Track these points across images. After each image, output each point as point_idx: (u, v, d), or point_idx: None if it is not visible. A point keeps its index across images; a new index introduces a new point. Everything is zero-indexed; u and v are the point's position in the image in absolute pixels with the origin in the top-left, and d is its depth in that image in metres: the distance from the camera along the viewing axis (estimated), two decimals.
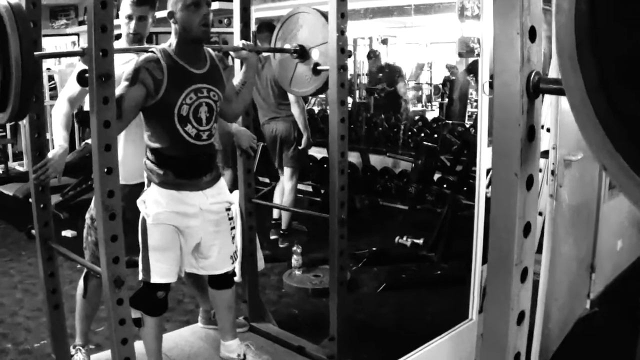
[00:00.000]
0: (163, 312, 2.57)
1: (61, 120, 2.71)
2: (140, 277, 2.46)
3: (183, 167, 2.45)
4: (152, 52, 2.35)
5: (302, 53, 2.90)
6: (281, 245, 4.92)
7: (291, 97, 4.70)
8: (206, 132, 2.45)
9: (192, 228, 2.50)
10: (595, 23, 0.61)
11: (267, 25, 5.10)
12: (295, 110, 4.83)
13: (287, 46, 2.95)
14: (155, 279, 2.43)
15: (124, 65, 2.75)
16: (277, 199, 5.12)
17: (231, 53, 2.83)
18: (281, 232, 5.05)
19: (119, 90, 2.20)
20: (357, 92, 8.37)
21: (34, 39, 1.81)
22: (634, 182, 0.57)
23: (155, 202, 2.43)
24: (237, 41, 2.78)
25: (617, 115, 0.59)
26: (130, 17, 2.77)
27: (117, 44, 2.79)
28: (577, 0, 0.61)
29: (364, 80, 8.55)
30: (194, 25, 2.33)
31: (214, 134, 2.53)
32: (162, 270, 2.44)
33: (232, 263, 2.69)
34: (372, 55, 8.15)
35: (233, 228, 2.69)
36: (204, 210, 2.52)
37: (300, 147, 5.08)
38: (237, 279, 2.98)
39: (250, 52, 2.68)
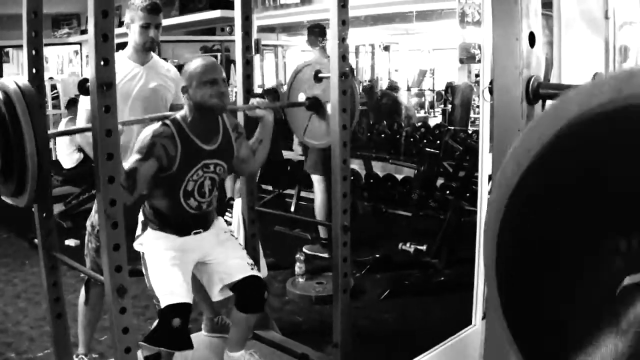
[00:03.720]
0: (186, 347, 2.42)
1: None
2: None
3: (180, 226, 2.48)
4: (167, 125, 2.35)
5: (317, 105, 2.84)
6: (327, 255, 4.70)
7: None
8: (207, 202, 2.51)
9: (193, 253, 2.53)
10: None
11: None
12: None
13: (302, 96, 2.89)
14: (164, 300, 2.33)
15: (125, 77, 2.74)
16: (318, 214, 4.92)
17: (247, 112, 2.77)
18: (323, 242, 4.90)
19: (132, 162, 2.23)
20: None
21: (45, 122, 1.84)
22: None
23: (153, 241, 2.46)
24: (252, 100, 2.71)
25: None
26: (147, 26, 2.77)
27: (122, 53, 2.80)
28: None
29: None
30: (208, 98, 2.33)
31: (214, 202, 2.57)
32: (170, 289, 2.35)
33: (252, 269, 2.60)
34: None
35: (240, 244, 2.72)
36: (204, 239, 2.55)
37: None
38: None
39: (265, 109, 2.66)
